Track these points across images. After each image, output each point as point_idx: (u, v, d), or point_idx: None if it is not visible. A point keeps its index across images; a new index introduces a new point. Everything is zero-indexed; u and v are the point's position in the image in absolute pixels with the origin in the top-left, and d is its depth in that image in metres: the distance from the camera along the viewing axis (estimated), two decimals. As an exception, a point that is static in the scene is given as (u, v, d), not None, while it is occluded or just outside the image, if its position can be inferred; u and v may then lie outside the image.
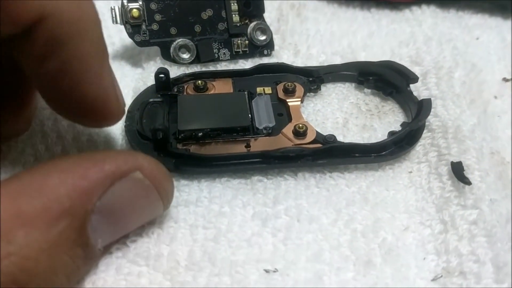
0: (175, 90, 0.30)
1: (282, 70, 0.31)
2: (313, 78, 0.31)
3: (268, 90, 0.30)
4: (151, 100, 0.29)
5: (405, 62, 0.34)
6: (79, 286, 0.21)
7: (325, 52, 0.34)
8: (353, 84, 0.32)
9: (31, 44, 0.20)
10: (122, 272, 0.22)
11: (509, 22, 0.39)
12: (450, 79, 0.32)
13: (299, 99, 0.29)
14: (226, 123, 0.27)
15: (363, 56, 0.34)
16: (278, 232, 0.24)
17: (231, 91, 0.30)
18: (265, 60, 0.33)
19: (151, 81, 0.31)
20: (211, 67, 0.33)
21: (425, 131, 0.29)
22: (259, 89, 0.30)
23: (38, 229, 0.18)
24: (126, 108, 0.26)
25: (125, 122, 0.28)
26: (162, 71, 0.29)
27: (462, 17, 0.39)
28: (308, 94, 0.31)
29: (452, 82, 0.32)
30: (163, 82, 0.29)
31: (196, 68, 0.33)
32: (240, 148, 0.27)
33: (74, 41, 0.20)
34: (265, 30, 0.34)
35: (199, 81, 0.30)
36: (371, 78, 0.31)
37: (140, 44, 0.32)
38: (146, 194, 0.21)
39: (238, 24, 0.33)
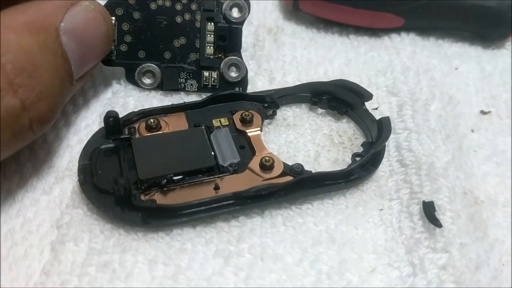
0: (126, 132, 0.27)
1: (236, 98, 0.30)
2: (268, 104, 0.30)
3: (224, 121, 0.29)
4: (102, 147, 0.26)
5: (382, 92, 0.33)
6: None
7: (300, 80, 0.34)
8: (308, 106, 0.32)
9: None
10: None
11: (489, 51, 0.38)
12: (426, 112, 0.31)
13: (258, 128, 0.28)
14: (190, 165, 0.25)
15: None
16: (240, 271, 0.23)
17: (186, 126, 0.28)
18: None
19: (115, 103, 0.30)
20: (174, 96, 0.32)
21: (398, 165, 0.28)
22: (215, 122, 0.29)
23: (27, 35, 0.22)
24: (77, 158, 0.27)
25: (78, 176, 0.25)
26: (111, 115, 0.26)
27: (442, 46, 0.38)
28: (265, 121, 0.30)
29: (428, 116, 0.31)
30: (112, 126, 0.27)
31: (157, 96, 0.31)
32: (208, 191, 0.25)
33: None
34: (239, 66, 0.31)
35: (151, 120, 0.28)
36: (324, 97, 0.31)
37: (105, 63, 0.31)
38: (94, 17, 0.27)
39: (211, 57, 0.31)
